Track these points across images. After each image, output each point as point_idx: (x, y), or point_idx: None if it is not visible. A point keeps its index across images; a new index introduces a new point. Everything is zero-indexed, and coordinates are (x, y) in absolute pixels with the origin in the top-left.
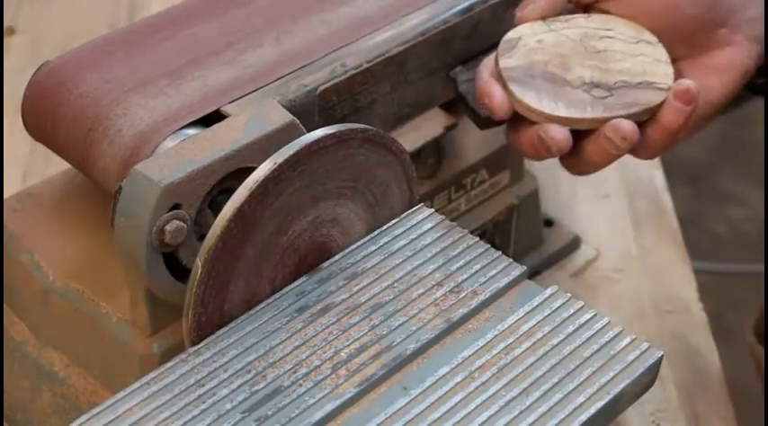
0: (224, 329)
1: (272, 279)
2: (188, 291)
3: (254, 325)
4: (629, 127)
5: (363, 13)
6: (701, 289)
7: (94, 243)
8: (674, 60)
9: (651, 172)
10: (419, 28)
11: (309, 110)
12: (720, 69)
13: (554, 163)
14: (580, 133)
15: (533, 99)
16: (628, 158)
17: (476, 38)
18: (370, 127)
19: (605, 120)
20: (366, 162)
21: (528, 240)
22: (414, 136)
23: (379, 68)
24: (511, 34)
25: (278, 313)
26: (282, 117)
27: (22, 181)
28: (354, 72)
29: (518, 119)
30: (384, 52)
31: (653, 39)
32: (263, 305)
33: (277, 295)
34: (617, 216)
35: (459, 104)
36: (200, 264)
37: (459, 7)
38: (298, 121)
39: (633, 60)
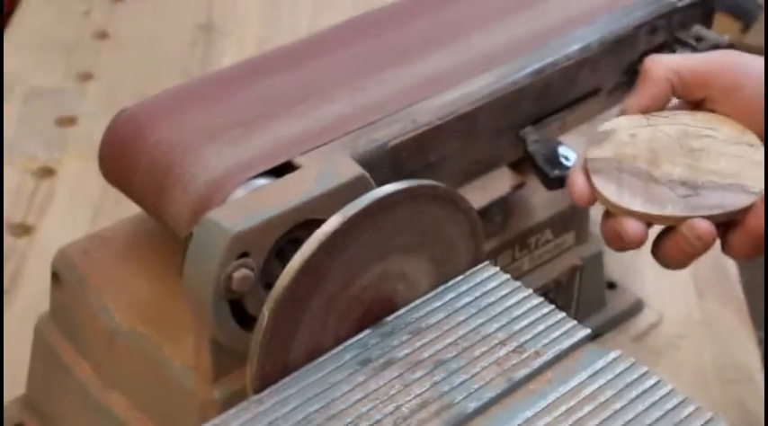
0: (287, 378)
1: (335, 331)
2: (253, 340)
3: (316, 376)
4: (704, 227)
5: (435, 71)
6: (765, 359)
7: (162, 288)
8: None
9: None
10: (490, 88)
11: (379, 164)
12: None
13: None
14: (666, 230)
15: (613, 192)
16: None
17: (545, 99)
18: (439, 183)
19: (684, 219)
20: (434, 218)
21: (590, 302)
22: (481, 194)
23: (449, 126)
24: (606, 125)
25: (340, 365)
26: (353, 170)
27: (91, 222)
28: (425, 128)
29: (605, 209)
30: (455, 110)
31: (756, 141)
32: (326, 356)
33: (340, 347)
34: (680, 281)
35: (527, 164)
36: (266, 313)
37: (530, 69)
38: (368, 175)
39: (729, 161)
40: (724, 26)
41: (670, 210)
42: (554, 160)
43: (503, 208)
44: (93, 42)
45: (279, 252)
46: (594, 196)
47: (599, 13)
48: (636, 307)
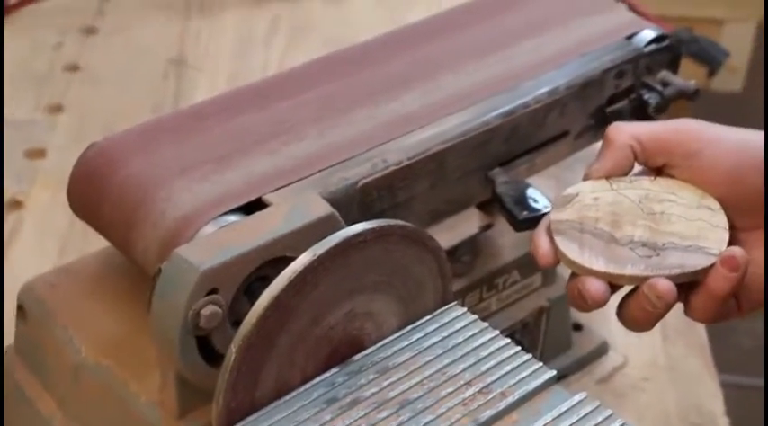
0: (253, 416)
1: (303, 369)
2: (220, 377)
3: (283, 414)
4: (665, 285)
5: (406, 111)
6: (727, 403)
7: (129, 322)
8: (737, 229)
9: None
10: (460, 128)
11: (349, 203)
12: None
13: None
14: (629, 292)
15: (575, 252)
16: None
17: (515, 140)
18: (408, 223)
19: (645, 278)
20: (403, 257)
21: (557, 343)
22: (450, 234)
23: (419, 165)
24: (570, 189)
25: (307, 403)
26: (323, 209)
27: (59, 255)
28: (395, 168)
29: (570, 271)
30: (425, 150)
31: (715, 205)
32: (293, 394)
33: (308, 384)
34: None
35: (496, 205)
36: (234, 351)
37: (500, 110)
38: (337, 214)
39: (689, 224)
40: (690, 71)
41: (630, 270)
42: (522, 202)
43: (471, 249)
44: (65, 75)
45: (247, 290)
46: (557, 257)
47: (568, 57)
48: (601, 349)
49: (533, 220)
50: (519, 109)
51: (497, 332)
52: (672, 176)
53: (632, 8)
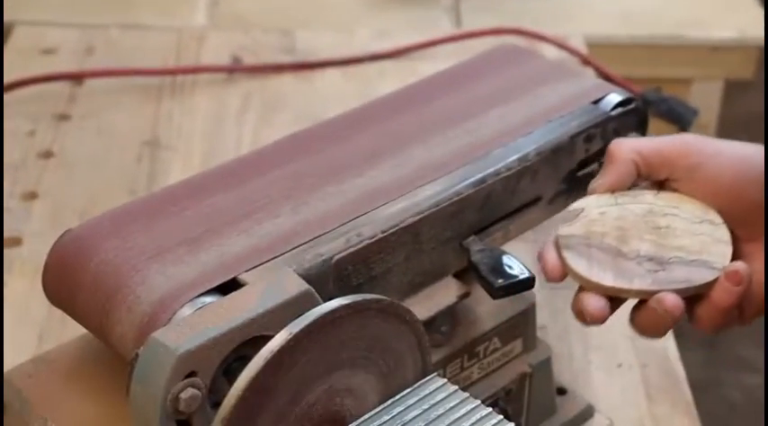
0: None
1: None
2: None
3: None
4: (672, 300)
5: (378, 184)
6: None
7: (108, 410)
8: (738, 240)
9: (664, 342)
10: (433, 199)
11: (325, 278)
12: None
13: (566, 331)
14: (639, 303)
15: (584, 267)
16: None
17: (488, 209)
18: (384, 297)
19: (652, 293)
20: (380, 332)
21: (541, 408)
22: (427, 304)
23: (393, 238)
24: (576, 204)
25: None
26: (298, 286)
27: (37, 344)
28: (369, 242)
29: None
30: (398, 222)
31: (718, 219)
32: None
33: None
34: (630, 385)
35: (472, 273)
36: None
37: (472, 179)
38: (313, 290)
39: (693, 239)
40: (662, 130)
41: (638, 284)
42: (498, 269)
43: (449, 318)
44: (38, 162)
45: (226, 370)
46: (565, 271)
47: (536, 124)
48: (587, 413)
49: (510, 287)
50: (490, 177)
51: (479, 402)
52: (674, 189)
53: (600, 72)
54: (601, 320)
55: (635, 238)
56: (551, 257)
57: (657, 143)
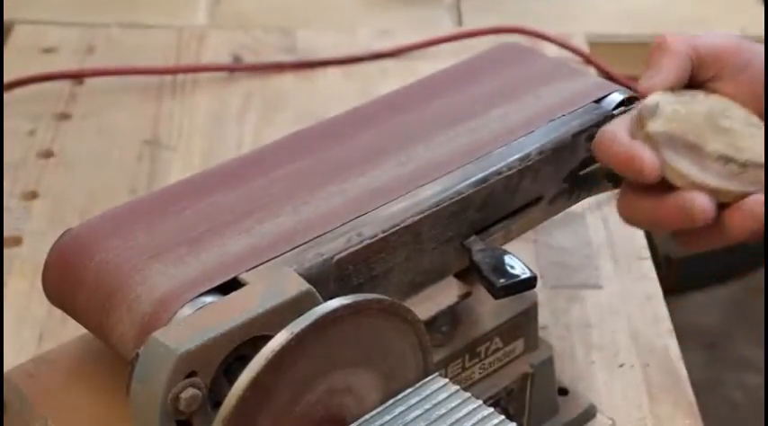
0: None
1: None
2: None
3: None
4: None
5: (379, 184)
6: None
7: (108, 410)
8: None
9: (666, 341)
10: (434, 198)
11: (325, 278)
12: None
13: (568, 331)
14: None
15: (684, 165)
16: (641, 326)
17: (489, 208)
18: (385, 297)
19: (746, 195)
20: (381, 331)
21: (543, 409)
22: (428, 304)
23: (394, 238)
24: (648, 101)
25: None
26: (299, 286)
27: (38, 343)
28: (370, 241)
29: (653, 189)
30: (399, 222)
31: (760, 123)
32: None
33: None
34: (632, 385)
35: (474, 273)
36: None
37: (474, 179)
38: (314, 290)
39: (753, 141)
40: None
41: (736, 186)
42: (500, 269)
43: (451, 318)
44: (39, 161)
45: (227, 370)
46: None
47: (538, 123)
48: (589, 413)
49: (512, 287)
50: (491, 176)
51: (480, 402)
52: (713, 90)
53: (602, 71)
54: (711, 219)
55: (710, 139)
56: (648, 154)
57: (710, 39)
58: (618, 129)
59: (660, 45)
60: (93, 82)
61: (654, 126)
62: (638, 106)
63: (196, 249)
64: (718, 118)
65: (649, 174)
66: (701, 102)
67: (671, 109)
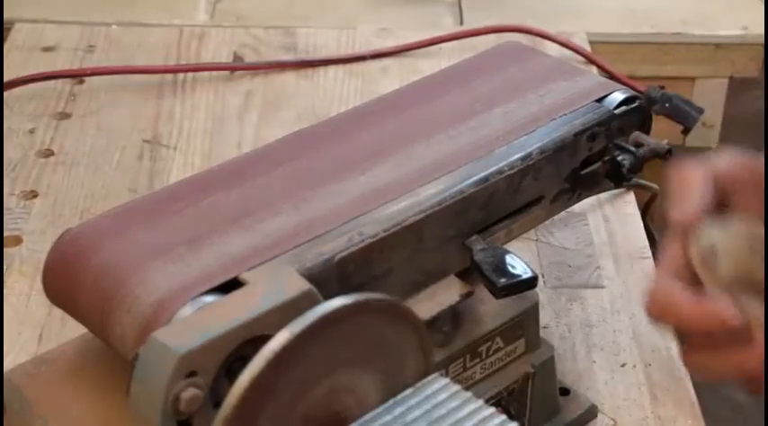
0: None
1: None
2: None
3: None
4: None
5: (380, 183)
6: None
7: (108, 410)
8: None
9: (667, 342)
10: (435, 198)
11: (327, 278)
12: None
13: (569, 331)
14: None
15: (755, 307)
16: (643, 326)
17: (491, 207)
18: (386, 296)
19: None
20: (382, 331)
21: (544, 409)
22: (429, 304)
23: (395, 237)
24: (704, 243)
25: None
26: (299, 285)
27: (38, 343)
28: (371, 241)
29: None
30: (401, 221)
31: None
32: None
33: None
34: (634, 386)
35: (475, 273)
36: None
37: (475, 178)
38: (315, 290)
39: None
40: (667, 128)
41: None
42: (501, 268)
43: (452, 318)
44: (39, 160)
45: (228, 370)
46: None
47: (539, 122)
48: (590, 413)
49: (513, 287)
50: (493, 176)
51: (481, 402)
52: (736, 208)
53: (603, 70)
54: None
55: (757, 269)
56: (728, 307)
57: (723, 158)
58: (668, 286)
59: (679, 173)
60: (93, 81)
61: (722, 270)
62: (673, 245)
63: (196, 248)
64: (758, 244)
65: (732, 326)
66: (735, 225)
67: (723, 247)
